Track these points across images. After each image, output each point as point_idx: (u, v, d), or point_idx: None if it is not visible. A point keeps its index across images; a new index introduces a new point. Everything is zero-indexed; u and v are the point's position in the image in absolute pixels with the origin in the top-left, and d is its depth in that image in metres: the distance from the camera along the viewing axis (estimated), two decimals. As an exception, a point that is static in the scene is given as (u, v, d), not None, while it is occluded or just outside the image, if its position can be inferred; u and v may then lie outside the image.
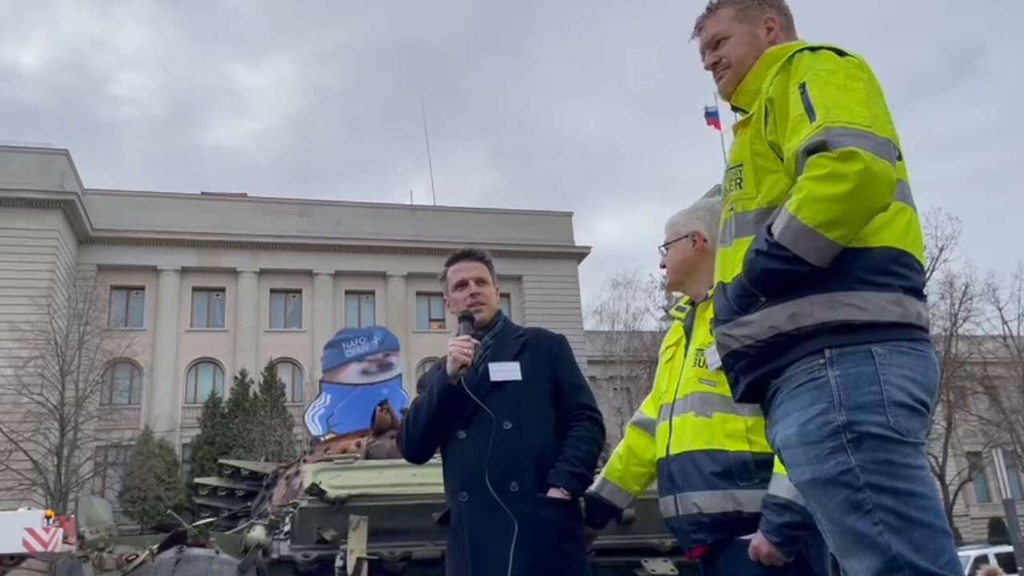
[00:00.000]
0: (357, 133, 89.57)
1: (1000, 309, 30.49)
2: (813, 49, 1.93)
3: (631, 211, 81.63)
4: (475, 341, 2.82)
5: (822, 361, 1.81)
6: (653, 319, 34.07)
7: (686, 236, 2.73)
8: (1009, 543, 18.46)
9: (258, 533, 3.51)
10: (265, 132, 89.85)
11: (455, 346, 2.77)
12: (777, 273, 1.84)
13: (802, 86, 1.86)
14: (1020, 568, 16.87)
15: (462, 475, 2.76)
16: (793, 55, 1.94)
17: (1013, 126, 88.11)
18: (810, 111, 1.82)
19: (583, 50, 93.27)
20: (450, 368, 2.76)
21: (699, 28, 2.24)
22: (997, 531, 32.12)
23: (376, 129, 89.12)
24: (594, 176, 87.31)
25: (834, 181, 1.73)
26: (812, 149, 1.78)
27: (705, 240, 2.68)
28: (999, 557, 20.82)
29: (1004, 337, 30.80)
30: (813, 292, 1.83)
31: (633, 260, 72.01)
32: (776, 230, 1.82)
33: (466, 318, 2.92)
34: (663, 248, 2.81)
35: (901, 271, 1.84)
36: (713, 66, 2.20)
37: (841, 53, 1.92)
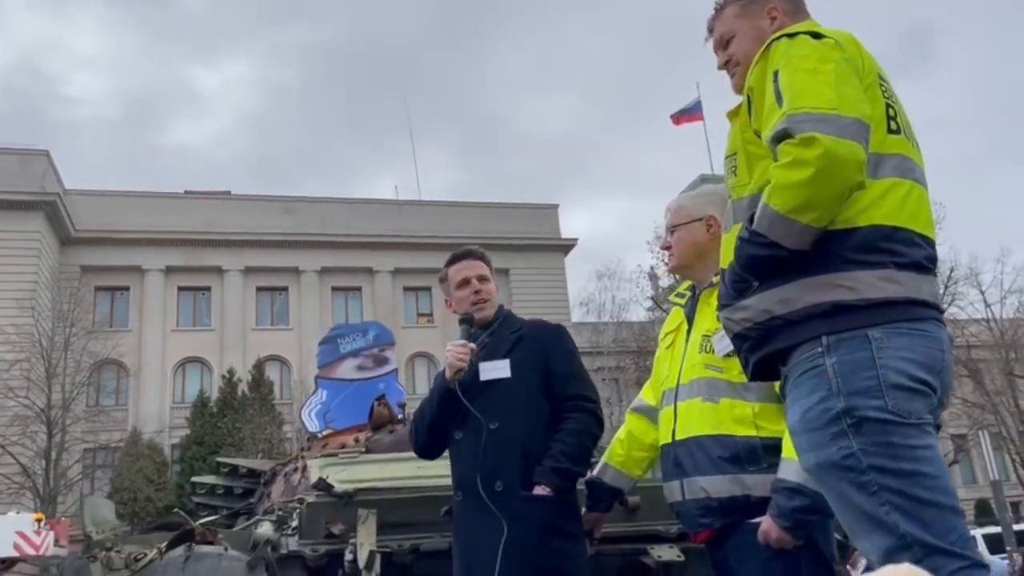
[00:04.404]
0: (323, 132, 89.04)
1: (983, 292, 30.82)
2: (791, 35, 1.96)
3: (598, 205, 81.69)
4: (471, 345, 2.87)
5: (820, 349, 1.85)
6: (641, 308, 34.18)
7: (700, 219, 2.73)
8: (995, 524, 18.69)
9: (266, 529, 3.53)
10: (225, 132, 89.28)
11: (451, 352, 2.85)
12: (760, 259, 1.89)
13: (775, 73, 1.91)
14: (1008, 548, 17.11)
15: (456, 475, 2.88)
16: (771, 43, 1.98)
17: (973, 111, 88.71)
18: (779, 99, 1.87)
19: (545, 45, 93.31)
20: (448, 373, 2.84)
21: (709, 30, 2.30)
22: (983, 512, 32.46)
23: (342, 127, 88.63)
24: (561, 170, 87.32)
25: (798, 167, 1.78)
26: (777, 138, 1.83)
27: (720, 226, 2.69)
28: (986, 538, 21.05)
29: (987, 320, 31.11)
30: (803, 275, 1.87)
31: (605, 252, 72.25)
32: (755, 217, 1.89)
33: (465, 320, 2.99)
34: (670, 230, 2.80)
35: (893, 247, 1.86)
36: (725, 65, 2.25)
37: (818, 36, 1.95)
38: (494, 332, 2.98)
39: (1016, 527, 19.88)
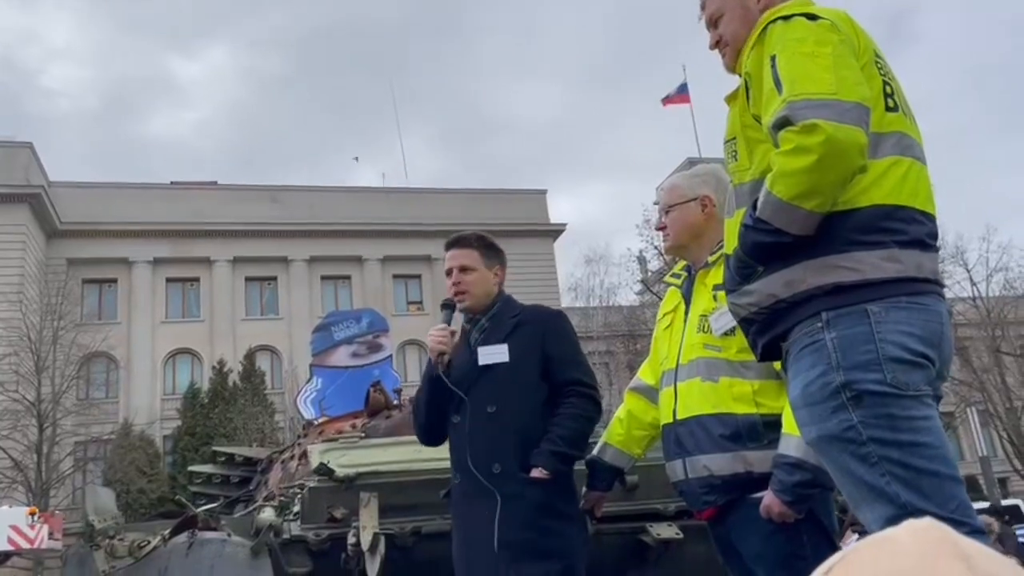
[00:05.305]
0: (307, 120, 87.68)
1: (969, 271, 31.01)
2: (786, 18, 1.95)
3: (586, 189, 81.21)
4: (451, 328, 2.90)
5: (820, 324, 1.88)
6: (630, 292, 34.26)
7: (695, 199, 2.74)
8: (983, 499, 18.87)
9: (268, 515, 3.54)
10: (209, 122, 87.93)
11: (431, 336, 2.89)
12: (765, 245, 1.91)
13: (772, 58, 1.90)
14: (990, 520, 17.26)
15: (454, 458, 2.90)
16: (767, 26, 1.97)
17: (953, 89, 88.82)
18: (778, 84, 1.86)
19: (527, 29, 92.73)
20: (431, 358, 2.87)
21: (702, 7, 2.28)
22: (970, 488, 32.71)
23: (327, 116, 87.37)
24: (547, 155, 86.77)
25: (800, 154, 1.79)
26: (778, 125, 1.83)
27: (714, 205, 2.70)
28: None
29: (973, 299, 31.33)
30: (806, 258, 1.89)
31: (593, 237, 72.31)
32: (758, 205, 1.89)
33: (445, 307, 3.00)
34: (664, 210, 2.82)
35: (895, 226, 1.88)
36: (716, 44, 2.24)
37: (813, 17, 1.94)
38: (493, 316, 2.99)
39: (1005, 502, 20.09)
